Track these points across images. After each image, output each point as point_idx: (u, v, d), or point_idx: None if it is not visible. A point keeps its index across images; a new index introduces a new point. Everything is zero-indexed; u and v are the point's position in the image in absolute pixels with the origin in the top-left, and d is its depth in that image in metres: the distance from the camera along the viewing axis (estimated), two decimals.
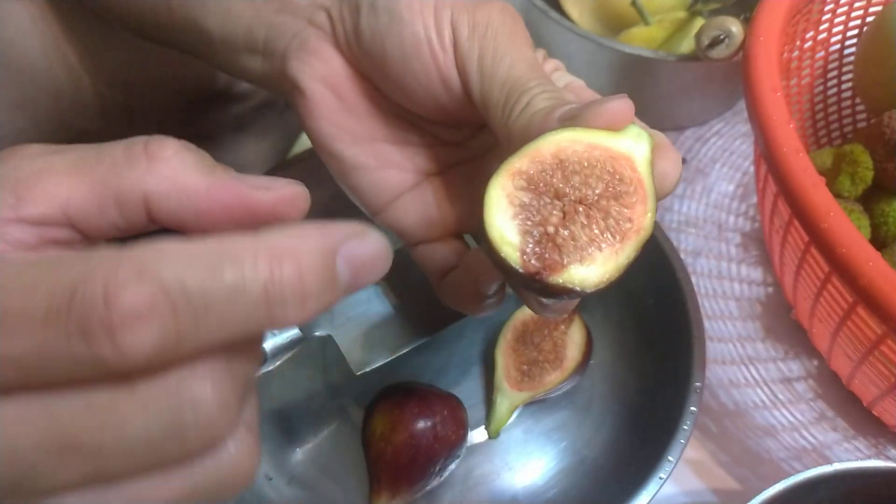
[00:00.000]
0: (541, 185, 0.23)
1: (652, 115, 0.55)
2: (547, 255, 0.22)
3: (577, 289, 0.21)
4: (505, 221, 0.22)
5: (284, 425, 0.42)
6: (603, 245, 0.22)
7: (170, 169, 0.21)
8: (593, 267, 0.22)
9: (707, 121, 0.56)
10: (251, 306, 0.17)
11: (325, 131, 0.31)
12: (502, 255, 0.22)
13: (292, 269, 0.18)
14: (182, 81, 0.53)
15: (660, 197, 0.24)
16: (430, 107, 0.30)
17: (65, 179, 0.21)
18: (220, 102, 0.58)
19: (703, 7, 0.50)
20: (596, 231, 0.22)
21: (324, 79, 0.31)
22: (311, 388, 0.43)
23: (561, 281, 0.21)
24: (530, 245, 0.22)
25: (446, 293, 0.33)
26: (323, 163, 0.33)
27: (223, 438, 0.19)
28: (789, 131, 0.35)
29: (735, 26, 0.40)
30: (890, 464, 0.33)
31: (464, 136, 0.33)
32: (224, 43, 0.33)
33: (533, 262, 0.22)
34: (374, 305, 0.39)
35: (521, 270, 0.22)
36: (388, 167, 0.31)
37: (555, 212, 0.22)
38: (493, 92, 0.27)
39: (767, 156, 0.35)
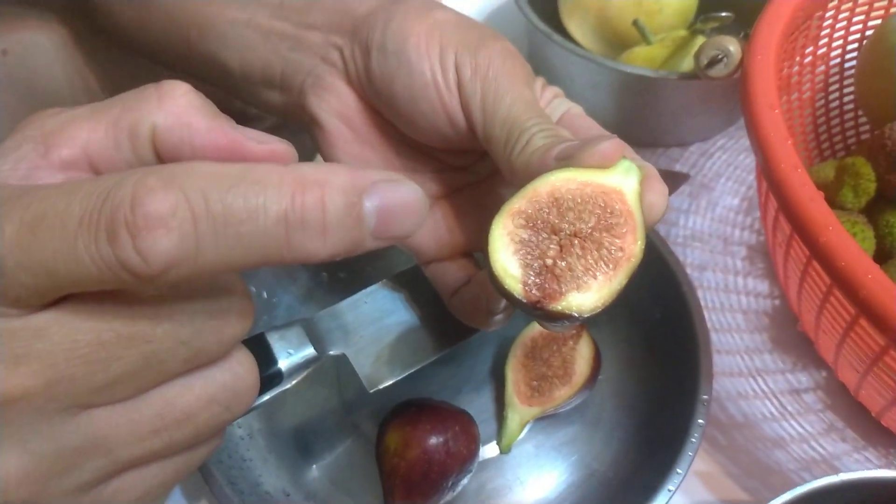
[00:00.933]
0: (538, 222, 0.25)
1: (656, 132, 0.56)
2: (546, 286, 0.24)
3: (575, 314, 0.24)
4: (507, 257, 0.25)
5: (301, 443, 0.43)
6: (598, 273, 0.25)
7: (177, 106, 0.23)
8: (589, 294, 0.24)
9: (711, 136, 0.57)
10: (270, 228, 0.19)
11: (343, 161, 0.33)
12: (506, 287, 0.24)
13: (315, 197, 0.19)
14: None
15: (648, 225, 0.26)
16: (438, 140, 0.32)
17: (85, 123, 0.23)
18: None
19: (703, 26, 0.51)
20: (591, 261, 0.25)
21: (339, 113, 0.33)
22: (327, 405, 0.44)
23: (560, 308, 0.24)
24: (531, 277, 0.24)
25: (457, 309, 0.35)
26: None
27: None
28: (787, 147, 0.36)
29: (733, 45, 0.41)
30: (877, 472, 0.33)
31: (469, 161, 0.35)
32: (243, 76, 0.35)
33: (534, 291, 0.24)
34: (386, 323, 0.40)
35: (524, 300, 0.24)
36: None
37: (552, 245, 0.25)
38: (495, 130, 0.29)
39: (766, 172, 0.36)
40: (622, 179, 0.26)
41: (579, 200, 0.26)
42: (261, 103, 0.36)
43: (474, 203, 0.35)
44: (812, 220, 0.33)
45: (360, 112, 0.33)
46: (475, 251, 0.36)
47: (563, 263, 0.25)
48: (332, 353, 0.38)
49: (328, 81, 0.33)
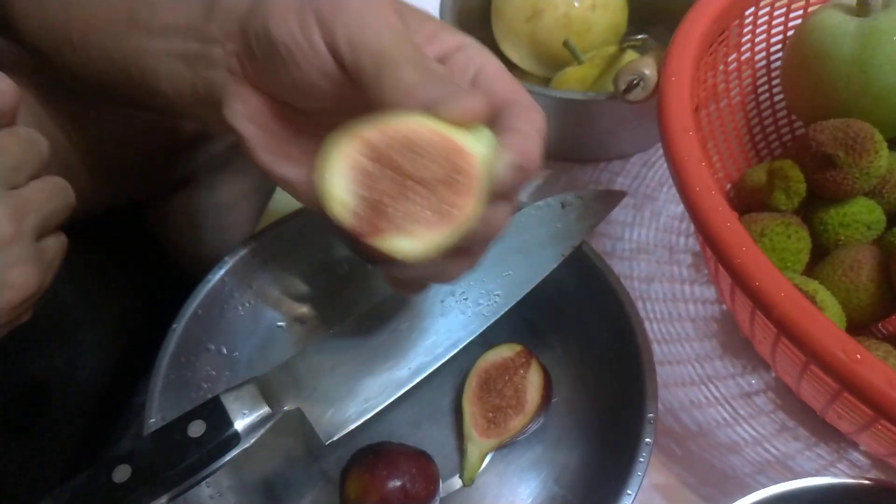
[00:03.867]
0: (385, 158, 0.26)
1: (595, 148, 0.58)
2: (375, 221, 0.25)
3: (399, 257, 0.25)
4: (343, 182, 0.25)
5: (270, 495, 0.44)
6: (429, 224, 0.25)
7: None
8: (415, 241, 0.25)
9: (651, 145, 0.58)
10: None
11: (267, 160, 0.35)
12: (334, 211, 0.25)
13: None
14: (167, 128, 0.57)
15: (494, 192, 0.27)
16: (333, 101, 0.33)
17: None
18: (199, 144, 0.62)
19: (623, 47, 0.52)
20: (427, 212, 0.26)
21: (250, 118, 0.35)
22: (293, 455, 0.45)
23: (385, 247, 0.25)
24: (363, 209, 0.25)
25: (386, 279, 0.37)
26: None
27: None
28: (701, 171, 0.37)
29: (649, 69, 0.42)
30: (829, 479, 0.34)
31: None
32: (182, 101, 0.37)
33: (362, 225, 0.25)
34: (338, 372, 0.41)
35: (347, 229, 0.25)
36: None
37: (392, 185, 0.26)
38: (364, 62, 0.29)
39: (682, 195, 0.37)
40: (476, 144, 0.27)
41: (430, 150, 0.26)
42: (204, 121, 0.38)
43: None
44: (727, 243, 0.34)
45: (266, 109, 0.34)
46: None
47: (398, 206, 0.25)
48: (286, 408, 0.39)
49: (233, 89, 0.34)
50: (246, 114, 0.34)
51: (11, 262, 0.30)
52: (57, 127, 0.51)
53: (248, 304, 0.49)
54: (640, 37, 0.51)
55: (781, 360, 0.38)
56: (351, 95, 0.32)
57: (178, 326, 0.45)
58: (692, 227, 0.54)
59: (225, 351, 0.47)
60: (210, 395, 0.46)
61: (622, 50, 0.54)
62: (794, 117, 0.55)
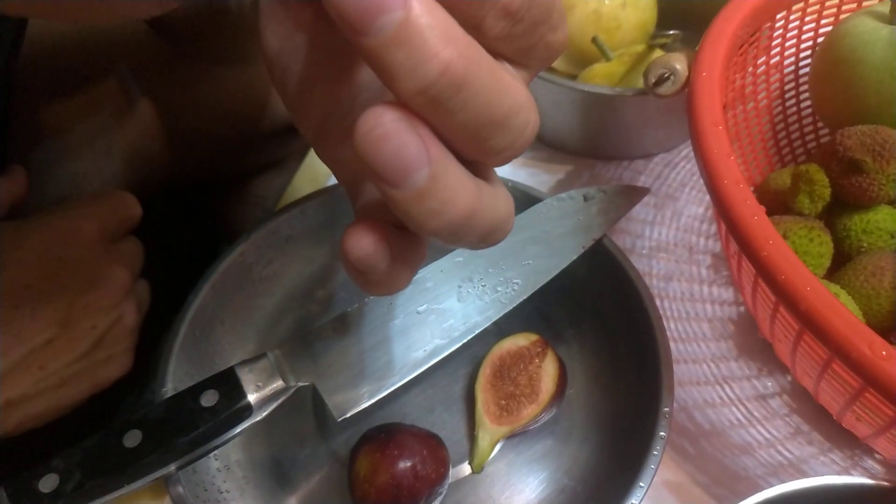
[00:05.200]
0: None
1: (619, 146, 0.57)
2: None
3: None
4: None
5: (278, 472, 0.44)
6: None
7: None
8: None
9: (675, 146, 0.58)
10: None
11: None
12: None
13: None
14: (267, 113, 0.61)
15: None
16: None
17: None
18: (293, 130, 0.65)
19: (654, 43, 0.52)
20: None
21: None
22: (302, 433, 0.45)
23: None
24: None
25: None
26: None
27: None
28: (730, 163, 0.36)
29: (679, 63, 0.42)
30: (844, 478, 0.34)
31: None
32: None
33: None
34: (354, 350, 0.41)
35: None
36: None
37: None
38: None
39: (710, 188, 0.37)
40: None
41: None
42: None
43: None
44: (754, 236, 0.34)
45: None
46: None
47: None
48: (300, 383, 0.39)
49: None
50: None
51: (131, 307, 0.40)
52: (166, 102, 0.53)
53: (264, 281, 0.49)
54: (672, 32, 0.51)
55: (801, 358, 0.37)
56: None
57: (195, 299, 0.45)
58: (712, 229, 0.53)
59: (238, 326, 0.47)
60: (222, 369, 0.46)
61: (651, 48, 0.54)
62: (819, 124, 0.54)
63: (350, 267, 0.23)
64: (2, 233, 0.36)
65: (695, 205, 0.54)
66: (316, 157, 0.60)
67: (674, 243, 0.52)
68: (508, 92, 0.19)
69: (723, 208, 0.35)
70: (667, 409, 0.39)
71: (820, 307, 0.31)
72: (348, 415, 0.38)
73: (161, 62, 0.58)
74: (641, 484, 0.37)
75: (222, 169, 0.70)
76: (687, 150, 0.58)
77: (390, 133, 0.18)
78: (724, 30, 0.43)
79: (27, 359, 0.36)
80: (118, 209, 0.43)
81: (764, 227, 0.34)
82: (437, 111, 0.18)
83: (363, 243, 0.22)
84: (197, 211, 0.81)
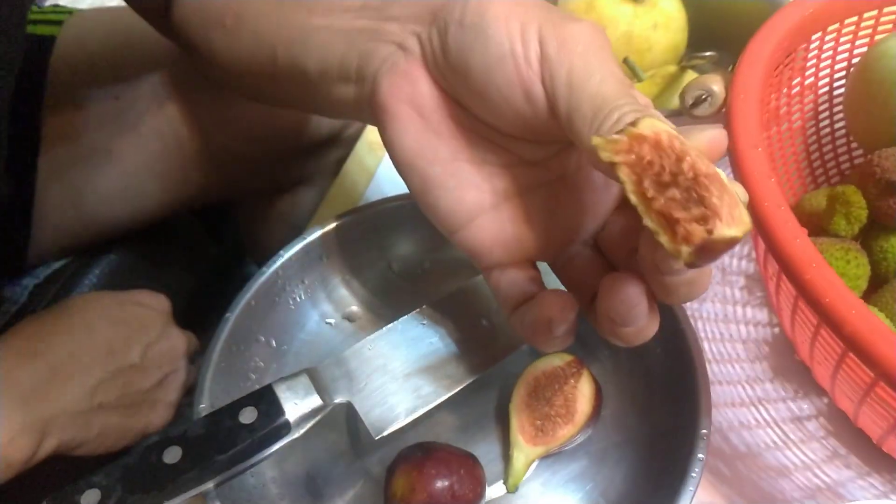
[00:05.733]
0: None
1: None
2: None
3: (734, 237, 0.23)
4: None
5: (312, 489, 0.44)
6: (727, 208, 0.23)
7: None
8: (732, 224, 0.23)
9: None
10: None
11: (409, 149, 0.33)
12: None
13: None
14: (296, 131, 0.61)
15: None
16: (512, 121, 0.31)
17: None
18: (325, 148, 0.66)
19: (688, 64, 0.53)
20: (715, 199, 0.23)
21: (410, 100, 0.33)
22: (336, 450, 0.45)
23: (724, 234, 0.22)
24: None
25: (518, 326, 0.33)
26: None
27: None
28: (771, 186, 0.37)
29: (717, 85, 0.42)
30: (884, 503, 0.33)
31: (545, 154, 0.33)
32: (321, 77, 0.36)
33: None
34: (390, 368, 0.41)
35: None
36: (467, 187, 0.33)
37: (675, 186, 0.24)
38: (582, 106, 0.27)
39: (751, 210, 0.37)
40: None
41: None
42: (335, 104, 0.37)
43: (545, 207, 0.33)
44: (797, 258, 0.34)
45: (433, 99, 0.33)
46: (541, 260, 0.35)
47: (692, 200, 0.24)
48: (337, 401, 0.39)
49: (402, 67, 0.33)
50: (408, 95, 0.33)
51: (185, 367, 0.52)
52: (199, 123, 0.56)
53: (299, 299, 0.49)
54: (708, 53, 0.51)
55: (842, 381, 0.37)
56: (535, 128, 0.31)
57: (232, 315, 0.45)
58: (745, 250, 0.53)
59: (274, 343, 0.48)
60: (258, 386, 0.46)
61: (683, 69, 0.54)
62: (853, 145, 0.54)
63: (547, 324, 0.31)
64: (105, 297, 0.50)
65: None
66: (349, 175, 0.60)
67: None
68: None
69: (764, 231, 0.35)
70: (705, 430, 0.39)
71: (865, 331, 0.31)
72: (385, 433, 0.39)
73: (192, 82, 0.58)
74: None
75: (250, 186, 0.71)
76: (719, 169, 0.58)
77: (637, 304, 0.29)
78: (761, 51, 0.43)
79: (115, 375, 0.46)
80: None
81: (807, 250, 0.34)
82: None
83: (563, 306, 0.31)
84: (221, 225, 0.82)
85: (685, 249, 0.22)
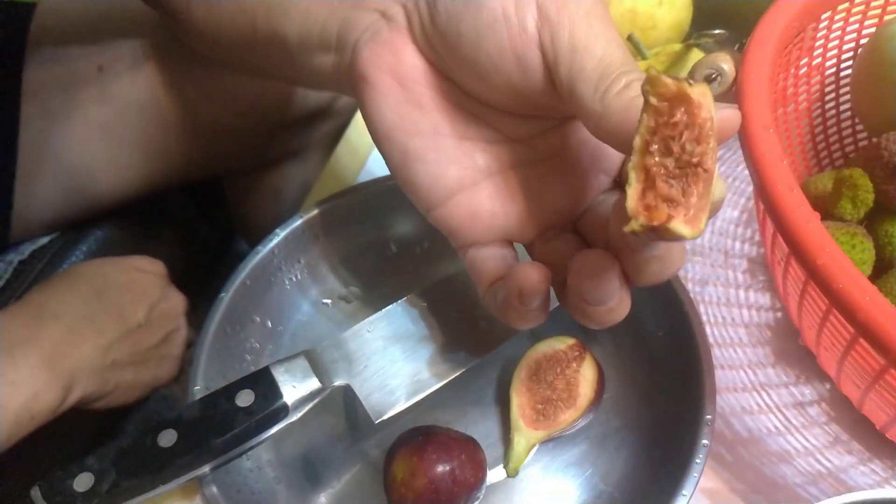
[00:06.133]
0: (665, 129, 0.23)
1: None
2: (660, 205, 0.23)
3: (686, 236, 0.23)
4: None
5: (309, 472, 0.43)
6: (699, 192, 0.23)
7: None
8: (691, 219, 0.23)
9: None
10: None
11: (389, 121, 0.32)
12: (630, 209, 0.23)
13: None
14: (283, 104, 0.60)
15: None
16: (501, 91, 0.30)
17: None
18: (316, 121, 0.65)
19: (696, 42, 0.52)
20: (693, 184, 0.23)
21: (392, 69, 0.32)
22: (333, 433, 0.45)
23: (676, 230, 0.22)
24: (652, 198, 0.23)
25: (490, 302, 0.33)
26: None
27: None
28: (783, 168, 0.36)
29: (727, 64, 0.41)
30: (889, 492, 0.33)
31: (530, 131, 0.32)
32: (301, 46, 0.35)
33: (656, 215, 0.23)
34: (390, 351, 0.40)
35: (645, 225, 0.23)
36: (448, 162, 0.32)
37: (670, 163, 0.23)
38: (586, 69, 0.27)
39: (762, 194, 0.36)
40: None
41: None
42: (315, 73, 0.36)
43: (527, 187, 0.33)
44: (809, 243, 0.33)
45: (416, 69, 0.32)
46: (518, 241, 0.34)
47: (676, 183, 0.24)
48: (336, 384, 0.39)
49: (385, 36, 0.32)
50: (388, 64, 0.31)
51: (185, 324, 0.55)
52: (183, 94, 0.54)
53: (295, 279, 0.48)
54: (716, 31, 0.50)
55: (850, 368, 0.37)
56: (525, 99, 0.30)
57: (226, 295, 0.44)
58: (748, 233, 0.53)
59: (270, 324, 0.47)
60: (253, 367, 0.45)
61: (688, 47, 0.53)
62: (858, 127, 0.53)
63: (518, 296, 0.30)
64: (108, 263, 0.52)
65: (730, 208, 0.54)
66: (342, 155, 0.59)
67: (709, 247, 0.52)
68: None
69: (775, 214, 0.35)
70: (709, 416, 0.38)
71: (880, 318, 0.31)
72: (385, 417, 0.38)
73: (176, 53, 0.57)
74: (685, 492, 0.36)
75: (239, 161, 0.69)
76: (721, 151, 0.57)
77: (609, 281, 0.28)
78: (772, 31, 0.42)
79: (126, 335, 0.49)
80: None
81: (819, 234, 0.33)
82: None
83: (536, 278, 0.29)
84: (211, 203, 0.81)
85: (640, 219, 0.22)
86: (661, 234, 0.23)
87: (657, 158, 0.23)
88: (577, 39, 0.27)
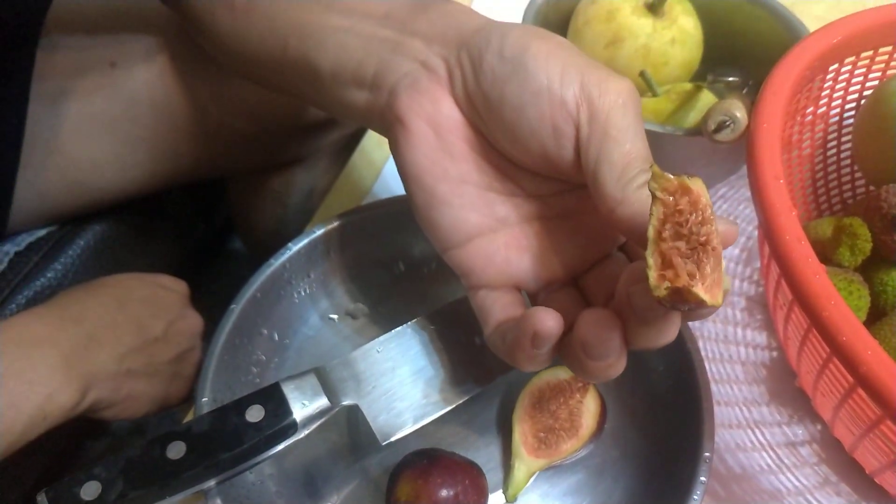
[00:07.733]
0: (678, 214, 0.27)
1: None
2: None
3: (711, 303, 0.26)
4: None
5: (310, 488, 0.44)
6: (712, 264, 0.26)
7: None
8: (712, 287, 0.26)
9: (712, 185, 0.59)
10: None
11: (420, 164, 0.34)
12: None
13: None
14: (296, 111, 0.60)
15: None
16: (531, 154, 0.32)
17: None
18: (324, 129, 0.65)
19: (712, 85, 0.53)
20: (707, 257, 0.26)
21: (429, 117, 0.34)
22: (336, 449, 0.45)
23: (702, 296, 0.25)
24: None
25: (496, 342, 0.34)
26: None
27: None
28: (792, 219, 0.37)
29: (740, 111, 0.42)
30: None
31: (548, 191, 0.35)
32: (333, 78, 0.37)
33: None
34: (399, 373, 0.41)
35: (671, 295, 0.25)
36: (471, 209, 0.34)
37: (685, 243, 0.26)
38: (613, 157, 0.29)
39: (770, 242, 0.37)
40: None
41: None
42: (345, 106, 0.38)
43: (539, 241, 0.35)
44: (816, 295, 0.34)
45: (451, 120, 0.34)
46: (526, 289, 0.36)
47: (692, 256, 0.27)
48: (345, 403, 0.39)
49: (424, 85, 0.34)
50: (427, 113, 0.33)
51: (200, 346, 0.54)
52: (194, 95, 0.55)
53: (303, 293, 0.48)
54: (730, 79, 0.51)
55: (846, 414, 0.38)
56: (551, 165, 0.32)
57: (237, 307, 0.44)
58: (747, 271, 0.54)
59: (276, 337, 0.47)
60: (259, 380, 0.46)
61: (698, 88, 0.54)
62: (857, 175, 0.55)
63: (531, 339, 0.30)
64: (133, 278, 0.53)
65: (731, 246, 0.55)
66: (358, 164, 0.60)
67: None
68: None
69: (783, 263, 0.36)
70: (707, 454, 0.39)
71: (881, 373, 0.32)
72: (392, 439, 0.39)
73: (191, 54, 0.57)
74: None
75: (244, 163, 0.70)
76: (724, 189, 0.59)
77: (611, 338, 0.29)
78: (785, 81, 0.43)
79: (142, 346, 0.49)
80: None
81: (826, 288, 0.34)
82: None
83: (551, 324, 0.30)
84: (211, 203, 0.81)
85: (665, 284, 0.25)
86: (685, 296, 0.25)
87: (670, 243, 0.26)
88: (611, 127, 0.30)
